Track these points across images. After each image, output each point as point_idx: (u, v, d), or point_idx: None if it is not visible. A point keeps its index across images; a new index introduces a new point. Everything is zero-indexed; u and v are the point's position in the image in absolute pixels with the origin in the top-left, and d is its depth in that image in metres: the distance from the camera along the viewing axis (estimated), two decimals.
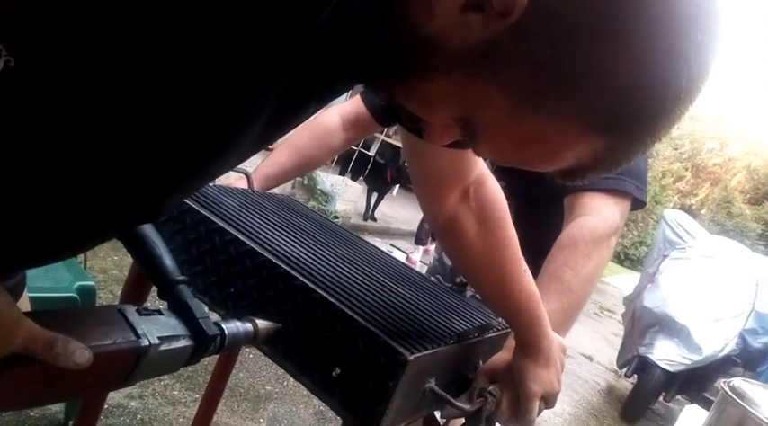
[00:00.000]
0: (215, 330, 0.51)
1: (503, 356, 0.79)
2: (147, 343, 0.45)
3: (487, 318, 0.89)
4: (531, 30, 0.36)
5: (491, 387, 0.75)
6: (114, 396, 1.89)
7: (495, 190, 0.74)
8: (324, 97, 0.48)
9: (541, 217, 1.07)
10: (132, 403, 1.92)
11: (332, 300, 0.66)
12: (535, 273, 0.80)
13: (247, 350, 2.33)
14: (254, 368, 2.46)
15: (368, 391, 0.62)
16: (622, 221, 1.04)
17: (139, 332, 0.44)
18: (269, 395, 2.33)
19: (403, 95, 0.44)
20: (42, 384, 0.40)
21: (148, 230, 0.56)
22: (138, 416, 1.88)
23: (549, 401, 0.76)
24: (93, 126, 0.33)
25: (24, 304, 0.69)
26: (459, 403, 0.68)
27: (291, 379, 2.47)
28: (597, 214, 1.01)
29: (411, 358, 0.60)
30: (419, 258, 5.40)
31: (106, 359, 0.42)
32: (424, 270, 1.63)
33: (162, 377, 2.11)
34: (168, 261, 0.55)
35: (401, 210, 7.03)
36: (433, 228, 0.79)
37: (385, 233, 5.94)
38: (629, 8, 0.36)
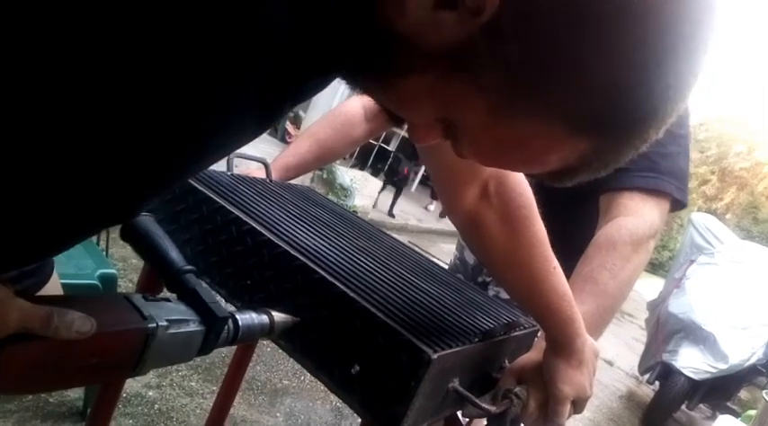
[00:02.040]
0: (225, 312, 0.50)
1: (531, 356, 0.75)
2: (155, 325, 0.43)
3: (514, 316, 0.85)
4: (507, 28, 0.34)
5: (517, 389, 0.71)
6: (133, 385, 1.89)
7: (519, 185, 0.70)
8: (297, 96, 0.46)
9: (573, 215, 1.02)
10: (150, 393, 1.93)
11: (352, 295, 0.63)
12: (567, 274, 0.76)
13: (264, 343, 2.33)
14: (272, 362, 2.46)
15: (388, 390, 0.59)
16: (662, 223, 0.99)
17: (145, 314, 0.43)
18: (286, 390, 2.33)
19: (381, 94, 0.43)
20: (46, 362, 0.39)
21: (151, 225, 0.56)
22: (156, 406, 1.89)
23: (578, 405, 0.73)
24: (62, 130, 0.32)
25: (55, 286, 0.68)
26: (484, 405, 0.65)
27: (308, 375, 2.47)
28: (636, 215, 0.96)
29: (434, 356, 0.57)
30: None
31: (112, 339, 0.41)
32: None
33: (180, 368, 2.12)
34: (173, 252, 0.55)
35: (419, 207, 6.99)
36: (455, 225, 0.75)
37: (403, 229, 5.90)
38: (611, 3, 0.34)
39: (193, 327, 0.47)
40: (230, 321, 0.51)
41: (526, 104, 0.37)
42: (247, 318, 0.52)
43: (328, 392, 2.60)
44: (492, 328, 0.73)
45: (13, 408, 1.61)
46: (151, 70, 0.32)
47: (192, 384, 2.09)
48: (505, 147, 0.41)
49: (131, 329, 0.43)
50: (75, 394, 1.75)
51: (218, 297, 0.61)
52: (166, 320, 0.44)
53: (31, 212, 0.37)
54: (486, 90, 0.37)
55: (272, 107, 0.44)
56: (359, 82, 0.43)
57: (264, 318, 0.54)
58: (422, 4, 0.36)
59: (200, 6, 0.31)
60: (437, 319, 0.68)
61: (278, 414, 2.16)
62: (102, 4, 0.28)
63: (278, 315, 0.56)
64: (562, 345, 0.70)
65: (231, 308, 0.56)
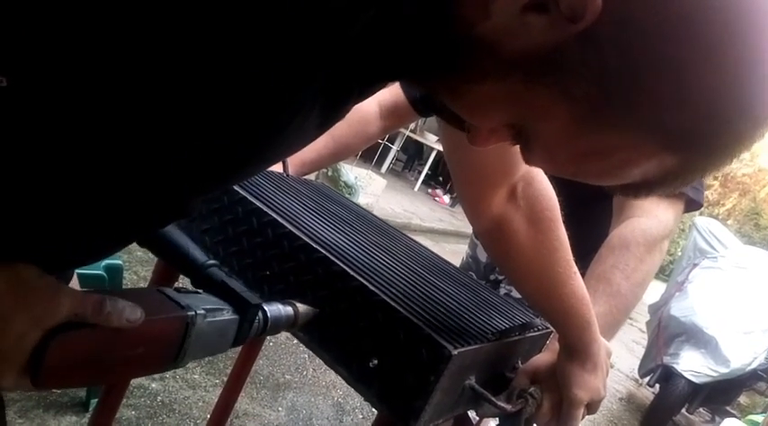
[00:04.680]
0: (257, 300, 0.50)
1: (545, 357, 0.75)
2: (193, 313, 0.43)
3: (528, 317, 0.85)
4: (604, 36, 0.32)
5: (532, 389, 0.72)
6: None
7: (545, 188, 0.69)
8: (363, 93, 0.44)
9: (587, 214, 1.02)
10: (153, 385, 1.93)
11: (372, 289, 0.63)
12: (581, 273, 0.76)
13: (268, 338, 2.33)
14: (275, 357, 2.46)
15: (407, 384, 0.59)
16: (676, 224, 0.99)
17: (182, 304, 0.43)
18: (288, 384, 2.33)
19: (449, 97, 0.41)
20: (95, 352, 0.38)
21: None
22: (159, 398, 1.89)
23: (592, 407, 0.73)
24: (116, 134, 0.31)
25: (74, 281, 0.68)
26: (500, 403, 0.65)
27: (311, 369, 2.49)
28: (650, 215, 0.95)
29: (455, 352, 0.57)
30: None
31: (157, 328, 0.41)
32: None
33: None
34: (194, 249, 0.55)
35: (422, 207, 6.98)
36: (478, 231, 0.73)
37: (405, 228, 5.91)
38: (717, 14, 0.32)
39: (228, 316, 0.47)
40: (260, 311, 0.51)
41: (615, 116, 0.35)
42: (275, 309, 0.53)
43: (330, 388, 2.59)
44: (508, 328, 0.73)
45: (15, 397, 1.61)
46: (231, 66, 0.30)
47: (195, 376, 2.09)
48: (583, 158, 0.39)
49: (173, 317, 0.42)
50: None
51: None
52: (203, 308, 0.44)
53: (90, 213, 0.36)
54: (572, 98, 0.35)
55: (335, 107, 0.42)
56: (426, 83, 0.42)
57: (290, 309, 0.54)
58: (508, 6, 0.33)
59: (286, 5, 0.29)
60: (454, 316, 0.68)
61: (280, 409, 2.16)
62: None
63: (302, 307, 0.56)
64: (578, 350, 0.70)
65: None
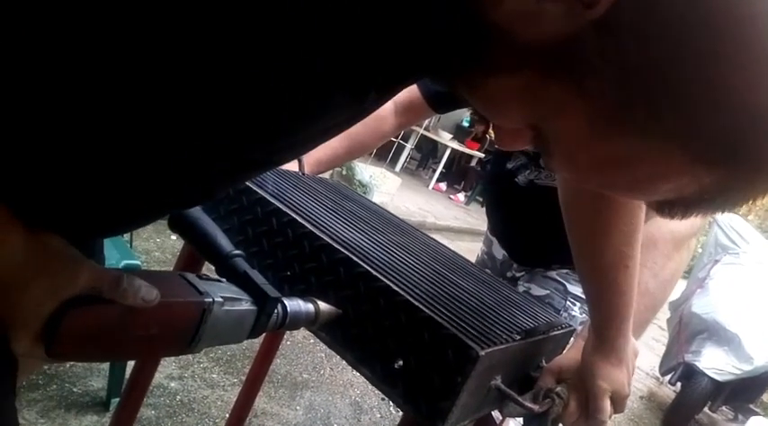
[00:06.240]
0: (276, 293, 0.49)
1: (570, 355, 0.74)
2: (211, 299, 0.43)
3: (550, 315, 0.84)
4: (624, 26, 0.29)
5: (558, 388, 0.71)
6: (155, 376, 1.91)
7: None
8: (381, 93, 0.42)
9: None
10: (172, 384, 1.94)
11: (396, 289, 0.62)
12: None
13: (285, 337, 2.33)
14: (292, 355, 2.47)
15: (433, 385, 0.58)
16: (704, 221, 0.97)
17: (201, 290, 0.43)
18: (306, 383, 2.33)
19: (468, 92, 0.38)
20: (108, 328, 0.38)
21: (198, 213, 0.57)
22: (178, 397, 1.90)
23: (617, 403, 0.72)
24: (175, 103, 0.30)
25: None
26: (527, 404, 0.63)
27: (328, 369, 2.49)
28: None
29: (482, 353, 0.56)
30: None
31: (173, 310, 0.41)
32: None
33: (201, 360, 2.13)
34: (222, 238, 0.55)
35: (437, 205, 6.96)
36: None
37: (421, 227, 5.88)
38: (757, 1, 0.28)
39: (246, 306, 0.47)
40: (279, 305, 0.50)
41: (637, 119, 0.31)
42: (295, 305, 0.52)
43: (347, 386, 2.60)
44: (533, 327, 0.72)
45: (37, 397, 1.63)
46: (232, 66, 0.29)
47: (214, 376, 2.10)
48: (605, 167, 0.35)
49: (190, 301, 0.42)
50: (99, 384, 1.77)
51: None
52: (221, 297, 0.44)
53: (130, 179, 0.36)
54: (589, 96, 0.31)
55: (360, 99, 0.40)
56: (445, 79, 0.39)
57: (310, 307, 0.54)
58: None
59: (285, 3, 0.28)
60: (478, 316, 0.67)
61: (298, 408, 2.17)
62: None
63: (323, 305, 0.55)
64: (604, 341, 0.69)
65: None
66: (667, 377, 4.14)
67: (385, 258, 0.70)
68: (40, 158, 0.32)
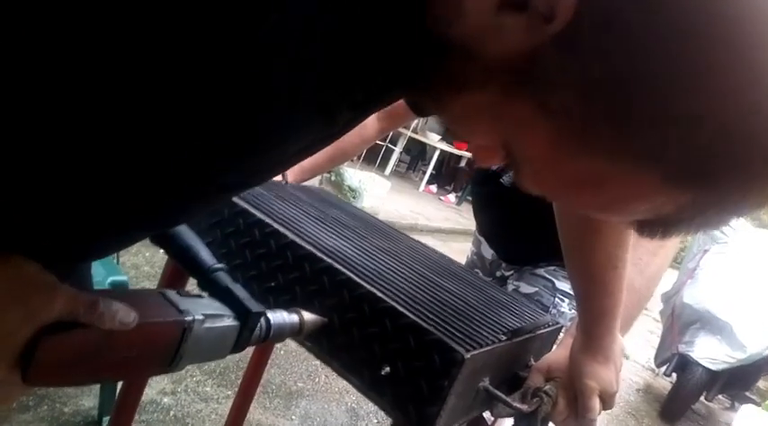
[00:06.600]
0: (259, 307, 0.49)
1: (558, 353, 0.74)
2: (191, 318, 0.43)
3: (537, 313, 0.84)
4: (585, 41, 0.27)
5: (546, 387, 0.71)
6: (147, 392, 1.89)
7: None
8: (357, 108, 0.41)
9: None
10: (165, 400, 1.93)
11: (380, 295, 0.62)
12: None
13: (278, 346, 2.32)
14: (286, 365, 2.45)
15: (420, 390, 0.58)
16: None
17: (182, 308, 0.43)
18: (301, 392, 2.32)
19: (435, 108, 0.38)
20: (86, 353, 0.38)
21: (180, 226, 0.55)
22: (171, 412, 1.88)
23: (606, 401, 0.72)
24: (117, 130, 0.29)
25: None
26: (515, 404, 0.64)
27: (323, 376, 2.47)
28: None
29: (467, 356, 0.56)
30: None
31: (151, 331, 0.41)
32: None
33: (194, 374, 2.11)
34: (204, 252, 0.54)
35: (428, 207, 6.97)
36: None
37: (412, 229, 5.89)
38: (725, 8, 0.26)
39: (228, 322, 0.47)
40: (262, 319, 0.50)
41: (603, 139, 0.30)
42: (279, 317, 0.52)
43: (343, 393, 2.58)
44: (520, 327, 0.72)
45: (28, 419, 1.60)
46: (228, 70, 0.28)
47: (207, 389, 2.08)
48: (574, 187, 0.34)
49: (169, 322, 0.42)
50: (90, 403, 1.74)
51: None
52: (202, 314, 0.44)
53: (89, 206, 0.35)
54: (553, 114, 0.30)
55: (331, 119, 0.39)
56: (412, 96, 0.39)
57: (295, 317, 0.54)
58: (482, 4, 0.29)
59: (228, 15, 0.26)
60: (464, 318, 0.67)
61: (293, 417, 2.15)
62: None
63: (308, 315, 0.55)
64: (591, 339, 0.70)
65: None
66: (663, 369, 4.17)
67: (369, 264, 0.70)
68: (10, 186, 0.31)
